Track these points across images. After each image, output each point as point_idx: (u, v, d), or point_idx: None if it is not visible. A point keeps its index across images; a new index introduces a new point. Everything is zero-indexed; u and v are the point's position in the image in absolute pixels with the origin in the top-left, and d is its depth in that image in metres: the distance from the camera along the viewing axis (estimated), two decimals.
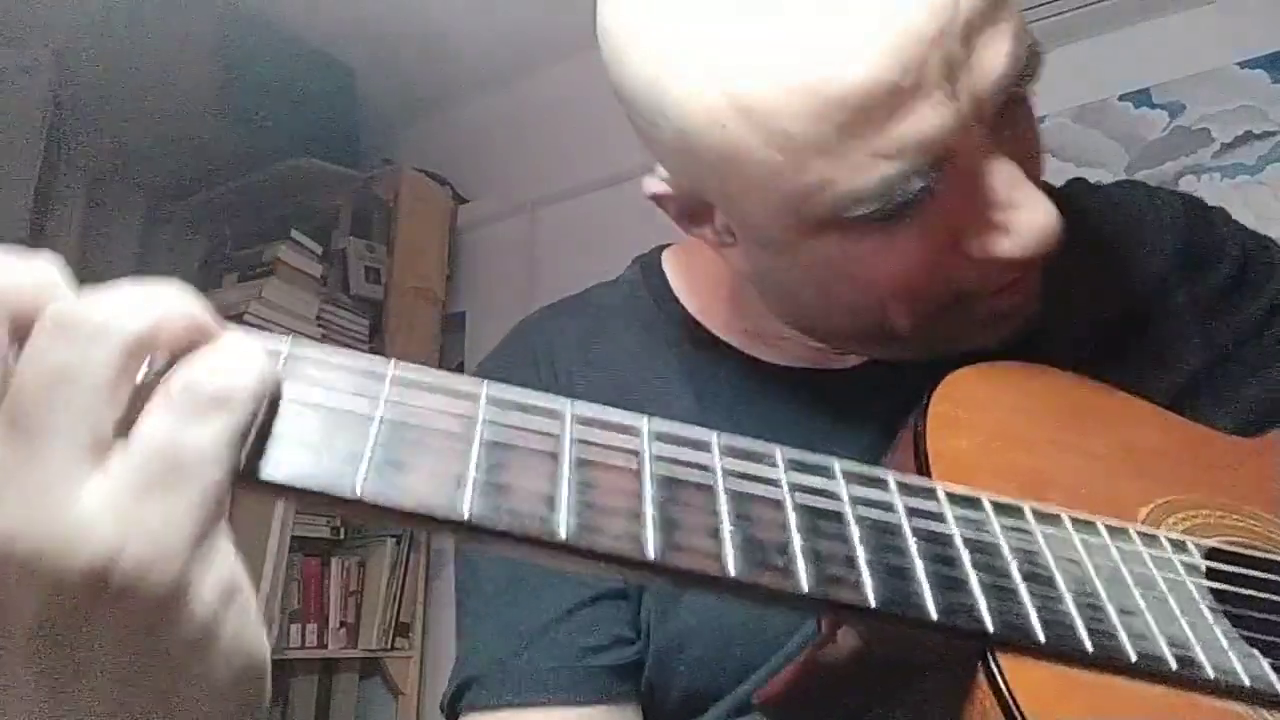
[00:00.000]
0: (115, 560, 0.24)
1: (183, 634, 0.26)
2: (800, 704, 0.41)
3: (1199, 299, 0.61)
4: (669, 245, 0.70)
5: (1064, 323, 0.58)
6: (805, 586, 0.32)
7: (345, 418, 0.29)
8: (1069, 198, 0.65)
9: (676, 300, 0.66)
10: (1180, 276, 0.61)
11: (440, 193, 2.89)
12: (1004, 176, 0.48)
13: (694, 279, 0.66)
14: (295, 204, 2.75)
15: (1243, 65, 1.88)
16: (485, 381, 0.32)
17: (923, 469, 0.41)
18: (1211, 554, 0.43)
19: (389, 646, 2.53)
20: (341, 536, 2.58)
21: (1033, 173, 0.49)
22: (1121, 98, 1.99)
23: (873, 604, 0.32)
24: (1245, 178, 1.84)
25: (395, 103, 2.97)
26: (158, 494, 0.25)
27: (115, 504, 0.25)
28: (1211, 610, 0.39)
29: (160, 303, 0.27)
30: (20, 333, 0.26)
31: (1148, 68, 1.97)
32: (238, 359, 0.28)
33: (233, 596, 0.28)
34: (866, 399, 0.58)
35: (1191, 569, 0.41)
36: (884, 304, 0.52)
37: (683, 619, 0.56)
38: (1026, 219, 0.48)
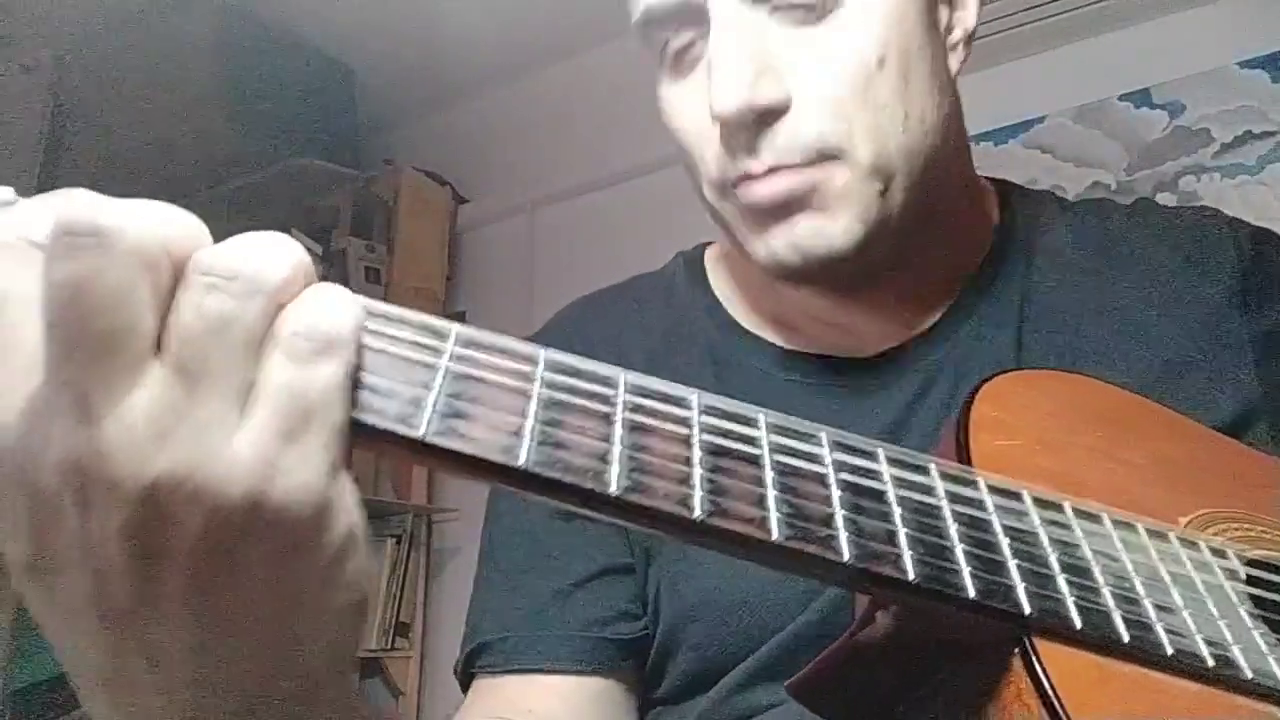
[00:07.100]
0: (266, 495, 0.27)
1: (318, 558, 0.29)
2: (834, 691, 0.41)
3: (1259, 331, 0.60)
4: (711, 242, 0.72)
5: (1115, 339, 0.59)
6: (846, 556, 0.32)
7: (411, 366, 0.31)
8: (1104, 211, 0.66)
9: (709, 290, 0.68)
10: (1240, 307, 0.60)
11: (440, 193, 2.89)
12: (724, 42, 0.52)
13: (729, 272, 0.68)
14: (295, 204, 2.74)
15: (1243, 65, 1.88)
16: (544, 347, 0.33)
17: (963, 465, 0.41)
18: (1252, 564, 0.43)
19: (389, 646, 2.53)
20: None
21: (827, 73, 0.52)
22: (1121, 98, 1.99)
23: (911, 578, 0.33)
24: (1245, 178, 1.85)
25: (395, 103, 2.97)
26: (295, 437, 0.27)
27: (262, 449, 0.27)
28: (1251, 616, 0.39)
29: (290, 254, 0.29)
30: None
31: (1148, 68, 1.97)
32: (336, 303, 0.29)
33: (356, 537, 0.30)
34: (883, 384, 0.60)
35: (1232, 575, 0.41)
36: (693, 168, 0.58)
37: (690, 595, 0.58)
38: (715, 80, 0.52)
